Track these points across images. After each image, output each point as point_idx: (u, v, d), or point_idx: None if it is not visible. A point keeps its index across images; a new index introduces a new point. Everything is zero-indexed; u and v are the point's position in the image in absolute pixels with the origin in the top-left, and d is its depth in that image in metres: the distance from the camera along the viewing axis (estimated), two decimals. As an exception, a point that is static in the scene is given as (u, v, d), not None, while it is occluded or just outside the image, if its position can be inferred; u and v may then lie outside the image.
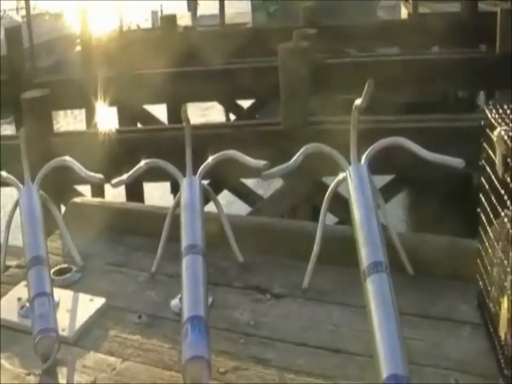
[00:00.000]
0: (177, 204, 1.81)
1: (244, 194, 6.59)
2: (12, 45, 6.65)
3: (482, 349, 1.53)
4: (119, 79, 6.10)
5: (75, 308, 1.69)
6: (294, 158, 1.69)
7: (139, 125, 6.51)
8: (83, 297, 1.74)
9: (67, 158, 1.82)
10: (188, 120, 1.77)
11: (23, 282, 1.84)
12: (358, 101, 1.64)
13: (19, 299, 1.76)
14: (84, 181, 2.63)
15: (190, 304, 1.51)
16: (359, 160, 1.69)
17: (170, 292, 1.77)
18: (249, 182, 7.49)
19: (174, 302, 1.73)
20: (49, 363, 1.52)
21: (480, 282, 1.62)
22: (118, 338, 1.62)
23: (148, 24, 12.84)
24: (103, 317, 1.70)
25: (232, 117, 8.21)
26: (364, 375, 1.47)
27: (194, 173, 1.77)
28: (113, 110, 7.08)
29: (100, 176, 1.75)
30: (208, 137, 5.50)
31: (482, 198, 1.59)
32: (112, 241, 2.01)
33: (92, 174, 1.76)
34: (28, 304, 1.71)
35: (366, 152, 1.69)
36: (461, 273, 1.72)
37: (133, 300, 1.76)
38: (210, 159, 1.78)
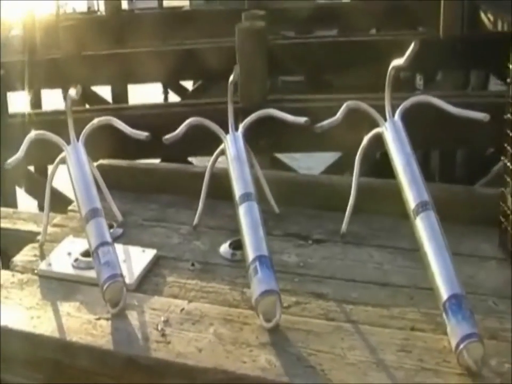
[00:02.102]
0: (215, 161, 1.89)
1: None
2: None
3: (510, 278, 1.71)
4: (66, 61, 6.05)
5: (129, 259, 1.75)
6: (338, 113, 1.80)
7: (87, 106, 6.46)
8: (134, 249, 1.80)
9: (109, 117, 1.87)
10: (235, 81, 1.84)
11: (69, 239, 1.89)
12: (396, 61, 1.76)
13: (69, 253, 1.81)
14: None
15: (254, 245, 1.61)
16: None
17: (215, 241, 1.87)
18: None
19: (223, 248, 1.82)
20: (119, 307, 1.59)
21: (504, 223, 1.79)
22: (177, 284, 1.71)
23: (84, 8, 12.65)
24: (157, 265, 1.77)
25: (176, 98, 8.24)
26: (413, 302, 1.62)
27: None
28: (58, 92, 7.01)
29: (146, 133, 1.80)
30: (169, 115, 5.56)
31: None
32: (142, 200, 2.08)
33: (137, 131, 1.82)
34: (80, 257, 1.77)
35: (398, 109, 1.82)
36: (481, 219, 1.89)
37: (180, 250, 1.84)
38: (251, 116, 1.87)
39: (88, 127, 1.84)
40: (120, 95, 7.30)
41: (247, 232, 1.64)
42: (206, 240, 1.88)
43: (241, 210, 1.68)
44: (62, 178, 1.85)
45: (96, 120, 1.85)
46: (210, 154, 1.92)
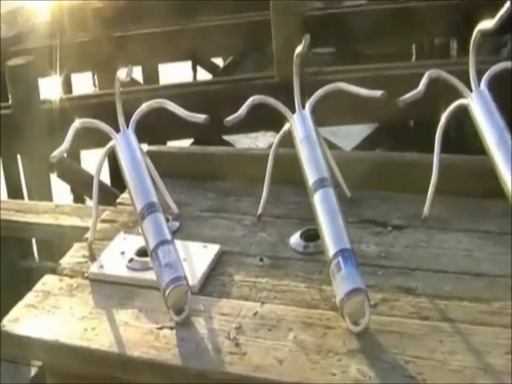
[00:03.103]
0: (279, 143, 1.70)
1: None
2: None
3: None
4: (97, 43, 5.88)
5: (190, 257, 1.57)
6: (420, 84, 1.59)
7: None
8: (195, 245, 1.62)
9: (161, 100, 1.68)
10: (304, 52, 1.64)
11: (121, 236, 1.72)
12: (484, 24, 1.56)
13: (122, 253, 1.63)
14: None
15: (334, 237, 1.42)
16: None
17: (283, 232, 1.67)
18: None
19: (294, 240, 1.63)
20: (185, 313, 1.41)
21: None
22: (246, 283, 1.52)
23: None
24: (222, 263, 1.59)
25: (207, 75, 8.02)
26: (514, 294, 1.42)
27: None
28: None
29: (203, 115, 1.61)
30: (201, 94, 5.37)
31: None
32: (197, 188, 1.89)
33: (194, 114, 1.62)
34: (135, 257, 1.60)
35: (484, 78, 1.61)
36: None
37: (246, 243, 1.65)
38: (318, 92, 1.67)
39: (138, 112, 1.64)
40: (151, 75, 7.11)
41: (326, 222, 1.44)
42: (273, 231, 1.68)
43: (317, 198, 1.48)
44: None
45: (146, 104, 1.66)
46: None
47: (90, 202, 6.19)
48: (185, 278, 1.42)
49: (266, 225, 1.71)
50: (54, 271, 1.66)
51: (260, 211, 1.71)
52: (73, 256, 1.68)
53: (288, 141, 1.75)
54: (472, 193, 1.71)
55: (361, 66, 5.61)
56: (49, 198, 4.97)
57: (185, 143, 6.61)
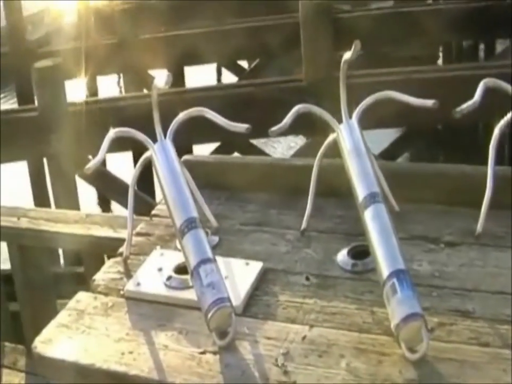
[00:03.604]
0: (324, 153, 1.61)
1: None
2: (12, 15, 6.30)
3: None
4: (124, 45, 5.84)
5: (232, 275, 1.48)
6: (476, 94, 1.49)
7: (145, 91, 6.25)
8: (237, 262, 1.53)
9: (200, 108, 1.60)
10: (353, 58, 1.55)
11: (157, 251, 1.64)
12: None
13: (159, 269, 1.56)
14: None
15: (389, 257, 1.33)
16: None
17: (329, 248, 1.58)
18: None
19: (341, 257, 1.54)
20: (229, 337, 1.33)
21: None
22: (293, 304, 1.43)
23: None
24: (265, 281, 1.50)
25: (233, 77, 7.96)
26: None
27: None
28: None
29: (245, 125, 1.53)
30: (229, 97, 5.30)
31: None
32: (236, 200, 1.80)
33: (236, 123, 1.54)
34: (174, 274, 1.52)
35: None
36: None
37: (290, 260, 1.56)
38: (367, 100, 1.57)
39: (177, 120, 1.56)
40: (176, 77, 7.05)
41: (378, 240, 1.35)
42: (318, 247, 1.60)
43: (368, 214, 1.39)
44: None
45: (184, 113, 1.58)
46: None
47: (117, 209, 6.16)
48: (229, 299, 1.34)
49: (310, 240, 1.62)
50: (83, 282, 1.59)
51: (303, 225, 1.62)
52: (108, 272, 1.61)
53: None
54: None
55: (392, 69, 5.52)
56: (76, 202, 4.93)
57: (212, 146, 6.56)
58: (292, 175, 1.77)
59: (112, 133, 1.52)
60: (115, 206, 6.13)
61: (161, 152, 1.52)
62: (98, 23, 6.18)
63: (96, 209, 6.96)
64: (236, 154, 6.82)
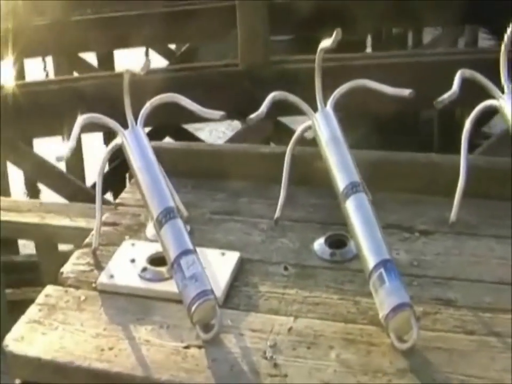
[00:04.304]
0: (295, 142, 1.58)
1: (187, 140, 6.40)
2: None
3: None
4: (55, 27, 5.62)
5: (209, 265, 1.43)
6: (454, 84, 1.49)
7: (75, 74, 6.07)
8: (212, 252, 1.49)
9: (172, 94, 1.54)
10: (320, 63, 1.52)
11: (128, 241, 1.58)
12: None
13: (132, 261, 1.49)
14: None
15: (374, 247, 1.32)
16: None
17: (305, 237, 1.56)
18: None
19: (318, 247, 1.52)
20: (214, 331, 1.28)
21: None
22: (274, 294, 1.40)
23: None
24: (244, 272, 1.47)
25: (164, 62, 7.82)
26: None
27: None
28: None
29: (219, 112, 1.48)
30: (166, 80, 5.19)
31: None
32: (205, 188, 1.75)
33: (209, 110, 1.49)
34: (149, 266, 1.46)
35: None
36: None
37: (266, 250, 1.53)
38: (341, 88, 1.55)
39: (148, 106, 1.50)
40: (106, 60, 6.88)
41: (362, 231, 1.34)
42: (294, 236, 1.57)
43: (350, 205, 1.37)
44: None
45: (157, 98, 1.51)
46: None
47: (46, 193, 5.97)
48: (212, 291, 1.30)
49: (285, 229, 1.59)
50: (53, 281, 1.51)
51: (277, 214, 1.59)
52: (76, 264, 1.53)
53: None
54: (500, 197, 1.63)
55: (328, 55, 5.52)
56: (7, 188, 4.74)
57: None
58: (262, 163, 1.74)
59: (81, 119, 1.44)
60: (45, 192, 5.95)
61: (133, 139, 1.45)
62: (27, 4, 5.94)
63: (24, 193, 6.76)
64: (167, 139, 6.73)
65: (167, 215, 1.35)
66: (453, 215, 1.57)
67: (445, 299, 1.38)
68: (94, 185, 6.14)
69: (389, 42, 8.17)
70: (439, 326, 1.31)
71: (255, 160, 1.74)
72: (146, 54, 9.32)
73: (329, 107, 1.54)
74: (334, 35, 1.45)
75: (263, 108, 1.48)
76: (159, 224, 1.36)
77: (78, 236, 2.00)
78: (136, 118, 1.49)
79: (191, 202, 1.70)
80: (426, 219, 1.62)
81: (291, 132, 5.90)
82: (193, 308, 1.27)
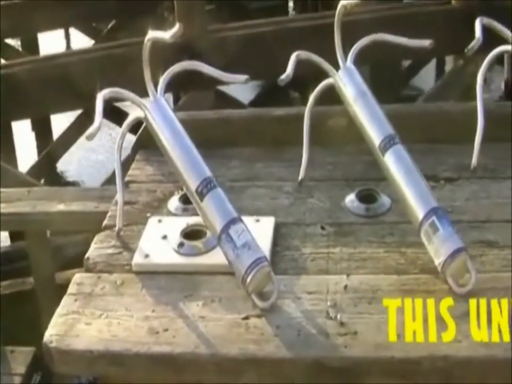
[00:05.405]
0: (316, 100, 1.54)
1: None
2: None
3: None
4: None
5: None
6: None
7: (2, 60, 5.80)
8: (246, 220, 1.42)
9: (193, 61, 1.47)
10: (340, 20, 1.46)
11: (154, 218, 1.51)
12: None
13: (164, 237, 1.43)
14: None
15: (422, 196, 1.32)
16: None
17: (334, 195, 1.54)
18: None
19: (350, 203, 1.50)
20: (273, 298, 1.25)
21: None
22: (319, 255, 1.37)
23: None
24: (282, 236, 1.43)
25: (90, 41, 7.57)
26: None
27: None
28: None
29: (244, 76, 1.42)
30: (100, 59, 5.04)
31: None
32: (216, 156, 1.67)
33: (233, 75, 1.43)
34: (185, 241, 1.41)
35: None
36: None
37: (298, 212, 1.50)
38: (362, 40, 1.51)
39: (167, 74, 1.42)
40: (30, 45, 6.60)
41: (407, 182, 1.33)
42: (321, 196, 1.54)
43: (390, 157, 1.35)
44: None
45: (176, 66, 1.44)
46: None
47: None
48: (266, 258, 1.27)
49: (311, 190, 1.56)
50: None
51: (301, 175, 1.56)
52: (101, 248, 1.45)
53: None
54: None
55: (263, 20, 5.48)
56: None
57: (73, 115, 6.22)
58: (273, 127, 1.70)
59: (105, 93, 1.36)
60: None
61: (156, 111, 1.38)
62: None
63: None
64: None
65: (208, 185, 1.30)
66: (474, 160, 1.58)
67: (486, 241, 1.39)
68: (28, 171, 5.89)
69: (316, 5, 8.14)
70: (489, 267, 1.33)
71: (267, 124, 1.70)
72: (67, 35, 9.03)
73: (350, 63, 1.50)
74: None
75: (289, 69, 1.43)
76: (200, 196, 1.30)
77: (76, 221, 1.93)
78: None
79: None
80: (447, 167, 1.62)
81: (233, 100, 5.87)
82: (249, 277, 1.23)
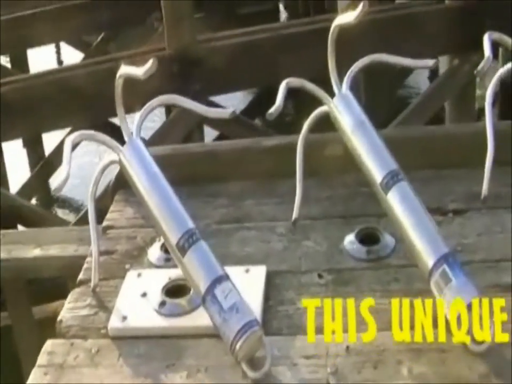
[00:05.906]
0: (309, 129, 1.39)
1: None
2: None
3: None
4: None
5: (235, 285, 1.25)
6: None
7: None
8: (234, 270, 1.28)
9: (172, 95, 1.32)
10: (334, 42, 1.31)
11: (132, 272, 1.37)
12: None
13: (143, 295, 1.29)
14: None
15: (430, 241, 1.17)
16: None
17: (331, 236, 1.39)
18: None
19: (350, 245, 1.35)
20: (265, 368, 1.10)
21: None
22: (317, 310, 1.23)
23: None
24: (275, 287, 1.28)
25: (80, 55, 7.44)
26: None
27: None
28: None
29: (229, 110, 1.27)
30: (92, 74, 4.91)
31: None
32: (201, 195, 1.55)
33: (219, 109, 1.29)
34: (167, 299, 1.26)
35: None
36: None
37: (291, 257, 1.35)
38: (355, 65, 1.36)
39: (144, 111, 1.27)
40: (20, 61, 6.47)
41: (413, 225, 1.18)
42: (318, 237, 1.39)
43: (394, 196, 1.21)
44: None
45: (155, 101, 1.28)
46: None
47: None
48: (257, 321, 1.12)
49: (306, 230, 1.41)
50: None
51: (295, 215, 1.41)
52: (75, 308, 1.31)
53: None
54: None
55: (255, 28, 5.34)
56: None
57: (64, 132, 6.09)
58: (263, 159, 1.55)
59: (73, 136, 1.21)
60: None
61: (133, 156, 1.23)
62: None
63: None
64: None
65: (189, 239, 1.15)
66: (484, 188, 1.42)
67: (503, 285, 1.24)
68: (18, 192, 5.78)
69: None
70: (508, 316, 1.18)
71: (257, 156, 1.55)
72: (57, 49, 8.92)
73: (346, 89, 1.35)
74: (360, 7, 1.25)
75: (279, 99, 1.28)
76: (182, 251, 1.15)
77: (54, 267, 1.79)
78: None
79: (190, 214, 1.50)
80: (455, 196, 1.47)
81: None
82: (238, 344, 1.09)
